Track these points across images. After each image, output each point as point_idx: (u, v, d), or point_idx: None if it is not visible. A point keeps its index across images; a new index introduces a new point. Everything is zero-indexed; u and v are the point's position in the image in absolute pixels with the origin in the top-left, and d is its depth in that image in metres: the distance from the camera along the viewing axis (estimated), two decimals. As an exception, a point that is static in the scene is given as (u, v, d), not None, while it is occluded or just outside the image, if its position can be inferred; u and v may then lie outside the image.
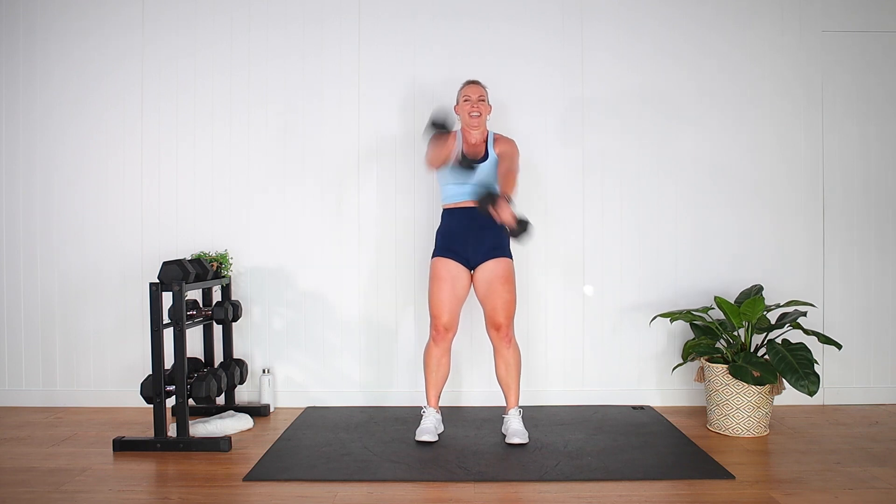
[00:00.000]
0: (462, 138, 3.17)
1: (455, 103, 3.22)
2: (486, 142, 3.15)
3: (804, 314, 3.24)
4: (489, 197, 2.82)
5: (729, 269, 3.69)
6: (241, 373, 3.50)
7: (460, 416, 3.43)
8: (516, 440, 2.98)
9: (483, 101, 3.13)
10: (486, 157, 3.10)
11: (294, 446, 2.99)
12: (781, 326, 3.22)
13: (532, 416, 3.37)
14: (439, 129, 2.89)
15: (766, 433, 3.18)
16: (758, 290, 3.41)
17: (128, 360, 3.68)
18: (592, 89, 3.69)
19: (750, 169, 3.70)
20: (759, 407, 3.13)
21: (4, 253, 3.71)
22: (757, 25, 3.71)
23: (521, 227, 2.82)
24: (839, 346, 3.12)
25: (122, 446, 2.95)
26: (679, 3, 3.70)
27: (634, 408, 3.60)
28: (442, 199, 3.17)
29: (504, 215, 2.80)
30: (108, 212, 3.69)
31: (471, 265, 3.08)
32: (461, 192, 3.07)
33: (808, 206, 3.71)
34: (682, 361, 3.33)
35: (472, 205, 3.02)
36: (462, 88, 3.17)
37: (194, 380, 3.08)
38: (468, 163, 2.95)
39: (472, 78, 3.28)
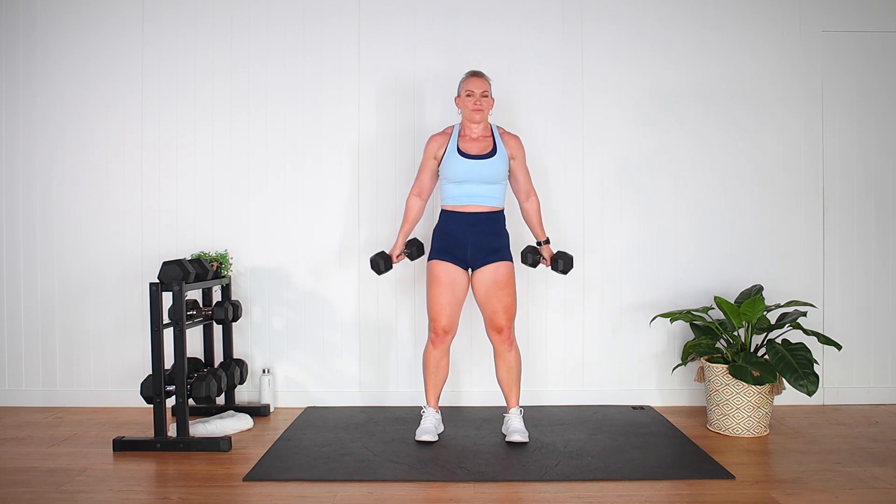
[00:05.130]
0: (461, 133, 3.09)
1: (456, 94, 3.13)
2: (493, 136, 3.08)
3: (804, 314, 3.24)
4: (532, 252, 3.16)
5: (729, 269, 3.69)
6: (241, 373, 3.50)
7: (460, 416, 3.43)
8: (517, 438, 2.97)
9: (486, 96, 3.04)
10: (493, 151, 3.04)
11: (294, 446, 2.99)
12: (781, 326, 3.23)
13: (532, 416, 3.37)
14: (383, 265, 3.16)
15: (766, 433, 3.18)
16: (758, 290, 3.41)
17: (128, 360, 3.68)
18: (592, 88, 3.69)
19: (750, 168, 3.70)
20: (759, 407, 3.13)
21: (4, 253, 3.71)
22: (757, 25, 3.71)
23: (566, 262, 3.11)
24: (839, 347, 3.12)
25: (122, 446, 2.95)
26: (680, 2, 3.70)
27: (634, 408, 3.60)
28: (442, 198, 3.11)
29: (547, 257, 3.17)
30: (108, 212, 3.69)
31: (469, 267, 3.05)
32: (461, 194, 3.02)
33: (808, 206, 3.71)
34: (682, 362, 3.33)
35: (472, 209, 3.02)
36: (464, 80, 3.08)
37: (194, 380, 3.08)
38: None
39: (475, 69, 3.17)
